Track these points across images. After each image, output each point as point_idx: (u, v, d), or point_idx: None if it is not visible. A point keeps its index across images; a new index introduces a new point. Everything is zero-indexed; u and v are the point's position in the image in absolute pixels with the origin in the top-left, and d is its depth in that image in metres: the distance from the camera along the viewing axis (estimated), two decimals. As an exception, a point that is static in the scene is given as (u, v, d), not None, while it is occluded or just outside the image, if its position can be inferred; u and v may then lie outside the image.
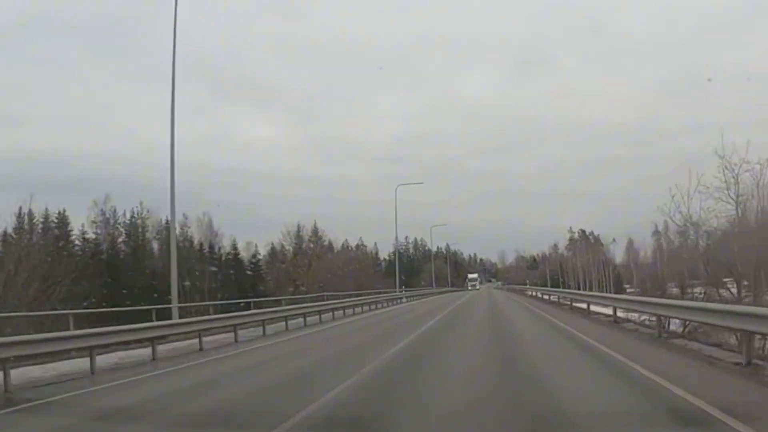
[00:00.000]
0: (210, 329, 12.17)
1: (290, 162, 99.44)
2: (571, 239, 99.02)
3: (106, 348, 9.45)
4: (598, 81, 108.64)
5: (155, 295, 32.53)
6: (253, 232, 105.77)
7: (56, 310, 13.91)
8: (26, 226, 35.89)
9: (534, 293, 41.43)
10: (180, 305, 15.40)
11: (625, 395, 5.99)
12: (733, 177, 21.49)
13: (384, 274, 66.73)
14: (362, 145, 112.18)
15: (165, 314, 14.35)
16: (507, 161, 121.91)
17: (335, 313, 21.31)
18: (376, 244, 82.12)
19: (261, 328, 14.07)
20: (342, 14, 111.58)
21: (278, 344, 12.45)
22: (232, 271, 46.31)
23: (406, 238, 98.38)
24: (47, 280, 19.51)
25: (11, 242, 27.27)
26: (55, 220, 42.71)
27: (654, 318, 11.32)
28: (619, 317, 14.46)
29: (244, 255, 54.48)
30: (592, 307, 17.49)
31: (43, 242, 32.61)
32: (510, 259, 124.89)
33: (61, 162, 69.29)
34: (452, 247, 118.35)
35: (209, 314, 14.82)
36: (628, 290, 75.75)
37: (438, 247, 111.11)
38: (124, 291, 36.49)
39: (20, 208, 34.03)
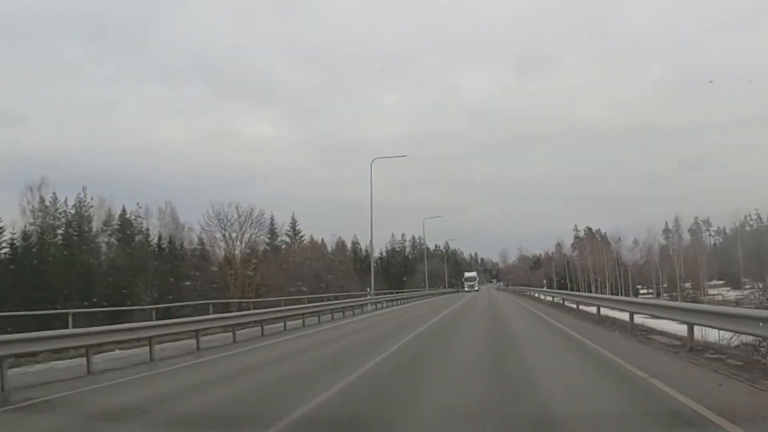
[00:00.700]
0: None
1: (291, 161, 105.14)
2: (577, 237, 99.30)
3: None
4: (600, 81, 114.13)
5: (86, 303, 26.59)
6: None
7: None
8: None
9: (538, 295, 39.92)
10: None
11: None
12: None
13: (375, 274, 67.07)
14: (363, 144, 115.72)
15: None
16: (509, 161, 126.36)
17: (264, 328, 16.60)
18: (357, 241, 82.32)
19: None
20: (344, 13, 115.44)
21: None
22: (197, 272, 39.44)
23: (403, 235, 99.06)
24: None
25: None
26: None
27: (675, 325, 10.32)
28: (641, 324, 13.22)
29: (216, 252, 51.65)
30: (603, 311, 16.72)
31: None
32: (512, 258, 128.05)
33: (61, 162, 72.44)
34: (451, 245, 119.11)
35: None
36: (641, 292, 76.51)
37: (436, 245, 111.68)
38: (42, 293, 29.54)
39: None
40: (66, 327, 10.94)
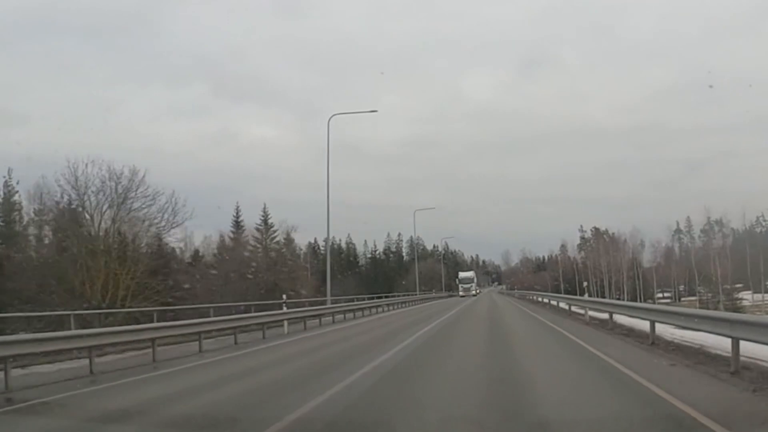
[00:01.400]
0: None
1: (293, 163, 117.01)
2: (583, 238, 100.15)
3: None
4: (604, 83, 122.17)
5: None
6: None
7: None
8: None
9: (547, 301, 35.34)
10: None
11: None
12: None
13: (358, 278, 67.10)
14: (366, 146, 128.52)
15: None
16: (511, 163, 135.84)
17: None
18: (351, 242, 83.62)
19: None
20: (346, 15, 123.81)
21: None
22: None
23: (399, 235, 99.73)
24: None
25: None
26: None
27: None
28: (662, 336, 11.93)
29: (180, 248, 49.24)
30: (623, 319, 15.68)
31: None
32: (515, 260, 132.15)
33: (63, 163, 71.26)
34: (451, 246, 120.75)
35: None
36: (658, 296, 76.40)
37: (434, 246, 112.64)
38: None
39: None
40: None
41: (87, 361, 10.04)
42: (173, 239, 31.58)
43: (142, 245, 27.61)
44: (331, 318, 24.99)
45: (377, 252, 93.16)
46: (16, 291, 23.10)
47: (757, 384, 7.10)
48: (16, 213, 34.73)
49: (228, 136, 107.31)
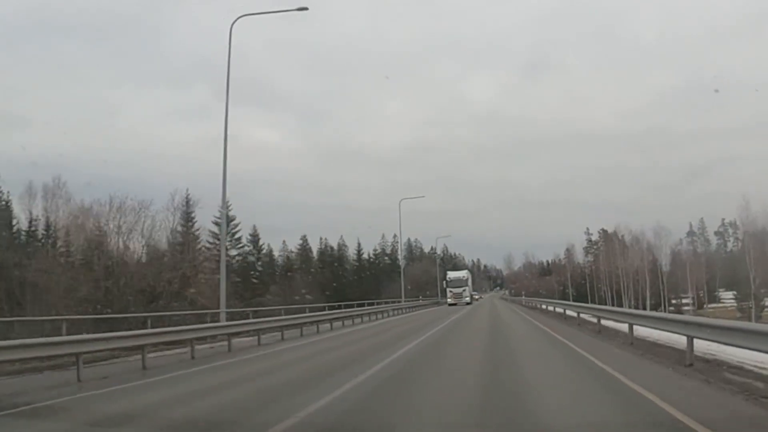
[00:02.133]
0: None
1: (295, 167, 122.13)
2: (590, 241, 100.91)
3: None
4: (607, 87, 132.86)
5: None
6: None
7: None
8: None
9: (562, 311, 29.49)
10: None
11: None
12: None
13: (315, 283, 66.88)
14: (368, 151, 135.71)
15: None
16: (514, 167, 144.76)
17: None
18: (344, 243, 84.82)
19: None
20: (349, 19, 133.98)
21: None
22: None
23: (395, 236, 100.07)
24: None
25: None
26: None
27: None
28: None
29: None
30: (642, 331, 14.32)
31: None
32: (517, 264, 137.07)
33: (62, 165, 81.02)
34: (450, 249, 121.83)
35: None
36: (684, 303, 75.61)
37: (432, 248, 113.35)
38: None
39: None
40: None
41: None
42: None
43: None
44: (224, 342, 17.46)
45: (363, 254, 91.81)
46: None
47: None
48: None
49: (230, 139, 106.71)
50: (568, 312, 27.00)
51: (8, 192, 39.97)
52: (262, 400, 8.37)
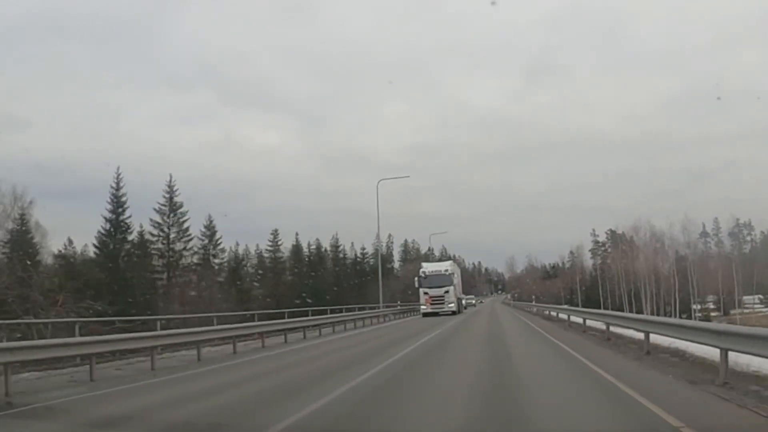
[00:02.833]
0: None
1: (297, 171, 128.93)
2: (596, 242, 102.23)
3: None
4: (610, 92, 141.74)
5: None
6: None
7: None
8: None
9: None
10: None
11: None
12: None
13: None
14: (370, 155, 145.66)
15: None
16: (516, 172, 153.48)
17: None
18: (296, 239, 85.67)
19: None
20: (352, 23, 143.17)
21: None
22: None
23: (390, 236, 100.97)
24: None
25: None
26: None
27: None
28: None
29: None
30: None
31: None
32: (520, 267, 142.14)
33: (63, 168, 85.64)
34: (448, 249, 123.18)
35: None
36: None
37: (429, 248, 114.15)
38: None
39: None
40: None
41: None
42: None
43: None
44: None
45: (346, 255, 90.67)
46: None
47: None
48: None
49: (232, 143, 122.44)
50: (589, 322, 22.37)
51: None
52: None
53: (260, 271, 71.11)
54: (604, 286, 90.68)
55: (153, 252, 48.87)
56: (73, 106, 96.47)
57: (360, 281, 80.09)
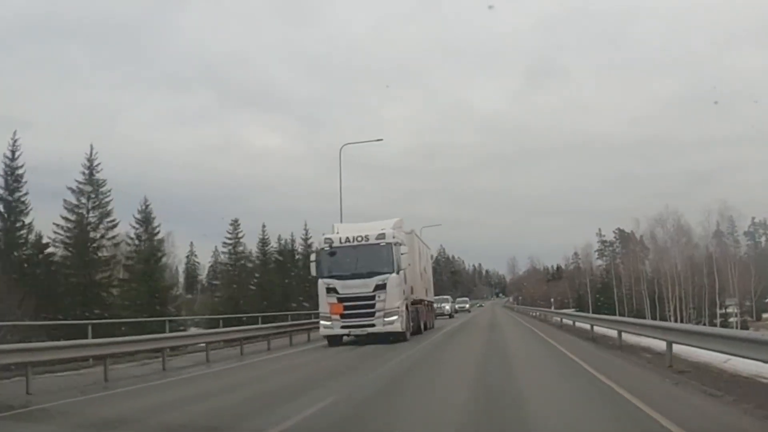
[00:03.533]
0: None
1: (295, 172, 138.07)
2: (604, 242, 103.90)
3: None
4: (611, 94, 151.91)
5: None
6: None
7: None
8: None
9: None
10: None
11: None
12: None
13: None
14: (370, 157, 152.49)
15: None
16: (517, 174, 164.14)
17: None
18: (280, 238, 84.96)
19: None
20: (352, 25, 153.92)
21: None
22: None
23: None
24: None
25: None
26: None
27: None
28: None
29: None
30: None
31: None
32: (522, 269, 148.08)
33: (63, 169, 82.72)
34: (443, 247, 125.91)
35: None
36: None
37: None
38: None
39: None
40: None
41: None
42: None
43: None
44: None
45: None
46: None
47: None
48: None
49: (232, 145, 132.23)
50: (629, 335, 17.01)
51: None
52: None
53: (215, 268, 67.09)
54: (618, 288, 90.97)
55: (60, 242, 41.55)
56: (71, 107, 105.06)
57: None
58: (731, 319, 69.62)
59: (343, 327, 21.86)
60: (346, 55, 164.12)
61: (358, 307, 21.75)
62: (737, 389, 9.06)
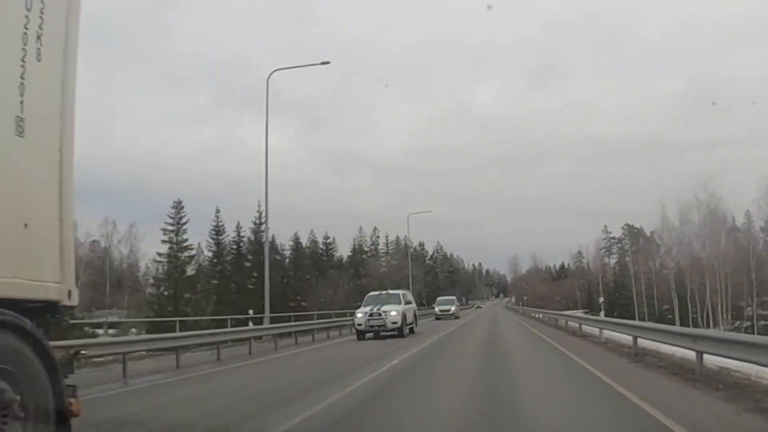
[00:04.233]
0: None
1: (298, 173, 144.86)
2: (611, 239, 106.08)
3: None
4: (613, 94, 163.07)
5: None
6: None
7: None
8: None
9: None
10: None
11: None
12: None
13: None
14: (371, 156, 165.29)
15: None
16: (518, 175, 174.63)
17: None
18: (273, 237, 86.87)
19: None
20: (352, 24, 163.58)
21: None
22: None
23: (375, 230, 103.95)
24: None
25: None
26: None
27: None
28: None
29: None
30: None
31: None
32: (524, 268, 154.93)
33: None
34: (440, 244, 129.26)
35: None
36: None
37: (420, 243, 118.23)
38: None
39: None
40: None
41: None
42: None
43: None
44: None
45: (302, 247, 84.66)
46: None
47: None
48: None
49: (232, 145, 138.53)
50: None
51: None
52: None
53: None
54: (628, 286, 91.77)
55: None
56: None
57: (317, 276, 72.96)
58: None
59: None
60: (347, 54, 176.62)
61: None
62: None
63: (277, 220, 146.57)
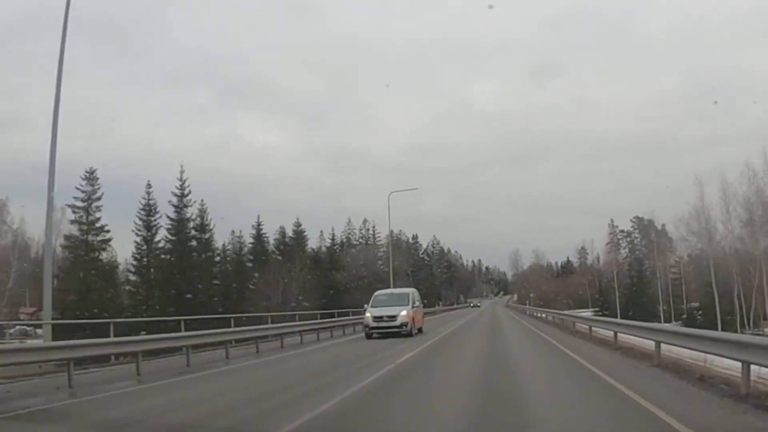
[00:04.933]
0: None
1: (298, 170, 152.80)
2: (619, 233, 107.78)
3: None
4: (614, 91, 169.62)
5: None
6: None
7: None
8: None
9: None
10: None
11: None
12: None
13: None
14: (371, 154, 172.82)
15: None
16: (519, 172, 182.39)
17: None
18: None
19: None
20: (353, 21, 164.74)
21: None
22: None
23: (366, 222, 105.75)
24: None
25: None
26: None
27: None
28: None
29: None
30: None
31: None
32: (525, 264, 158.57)
33: (64, 169, 78.60)
34: (437, 238, 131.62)
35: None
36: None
37: (414, 235, 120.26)
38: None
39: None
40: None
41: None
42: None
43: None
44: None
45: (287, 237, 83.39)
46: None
47: None
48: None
49: (231, 143, 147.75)
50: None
51: None
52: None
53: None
54: (643, 284, 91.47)
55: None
56: (73, 107, 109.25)
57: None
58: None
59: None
60: (347, 52, 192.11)
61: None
62: None
63: (277, 220, 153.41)
